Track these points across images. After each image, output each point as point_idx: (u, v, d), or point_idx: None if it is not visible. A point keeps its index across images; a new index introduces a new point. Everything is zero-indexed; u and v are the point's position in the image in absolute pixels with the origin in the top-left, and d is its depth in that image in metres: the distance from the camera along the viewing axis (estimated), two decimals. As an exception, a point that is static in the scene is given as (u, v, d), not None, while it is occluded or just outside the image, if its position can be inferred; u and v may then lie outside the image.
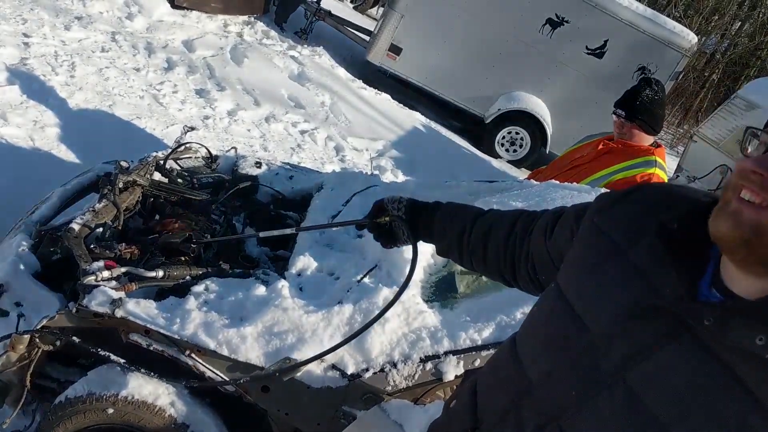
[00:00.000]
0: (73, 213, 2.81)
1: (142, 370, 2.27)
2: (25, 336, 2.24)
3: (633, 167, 3.23)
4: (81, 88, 5.36)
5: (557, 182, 3.11)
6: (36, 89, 4.99)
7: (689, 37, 8.77)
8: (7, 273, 2.41)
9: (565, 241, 1.34)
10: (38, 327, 2.24)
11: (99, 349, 2.24)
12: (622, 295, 1.10)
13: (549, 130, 8.93)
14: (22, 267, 2.45)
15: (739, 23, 19.48)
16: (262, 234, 2.35)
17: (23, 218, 2.83)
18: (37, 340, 2.28)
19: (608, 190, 2.80)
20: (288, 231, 2.28)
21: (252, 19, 9.25)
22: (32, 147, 4.37)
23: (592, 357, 1.09)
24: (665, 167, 3.29)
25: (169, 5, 8.02)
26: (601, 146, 3.39)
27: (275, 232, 2.25)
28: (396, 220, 1.75)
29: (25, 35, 5.73)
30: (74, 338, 2.25)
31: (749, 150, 1.01)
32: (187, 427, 2.27)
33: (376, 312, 2.26)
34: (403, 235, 1.77)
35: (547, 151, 9.07)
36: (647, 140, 3.30)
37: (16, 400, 2.36)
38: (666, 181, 3.44)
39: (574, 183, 3.09)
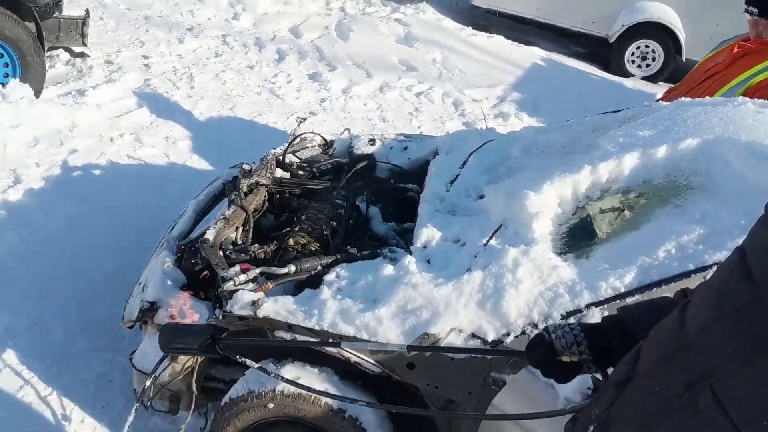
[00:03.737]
0: (207, 222, 2.96)
1: (296, 363, 2.37)
2: (183, 347, 2.39)
3: (776, 66, 2.87)
4: (202, 97, 5.63)
5: (688, 99, 2.83)
6: (162, 107, 5.30)
7: None
8: (157, 290, 2.59)
9: None
10: (192, 337, 2.38)
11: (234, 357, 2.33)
12: None
13: (682, 37, 8.18)
14: (169, 282, 2.62)
15: None
16: None
17: (165, 236, 3.02)
18: (195, 349, 2.44)
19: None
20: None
21: (352, -10, 9.23)
22: (168, 162, 4.66)
23: (755, 314, 0.98)
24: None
25: (269, -4, 8.19)
26: (736, 49, 3.05)
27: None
28: (585, 363, 1.49)
29: (145, 57, 6.10)
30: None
31: None
32: (343, 411, 2.34)
33: (507, 274, 2.19)
34: (588, 370, 1.53)
35: (684, 59, 8.33)
36: (788, 36, 2.92)
37: (187, 405, 2.55)
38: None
39: (707, 97, 2.80)
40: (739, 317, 1.01)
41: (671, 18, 8.19)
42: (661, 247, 2.14)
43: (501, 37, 8.41)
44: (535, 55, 8.22)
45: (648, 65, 8.54)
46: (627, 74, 8.50)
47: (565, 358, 1.48)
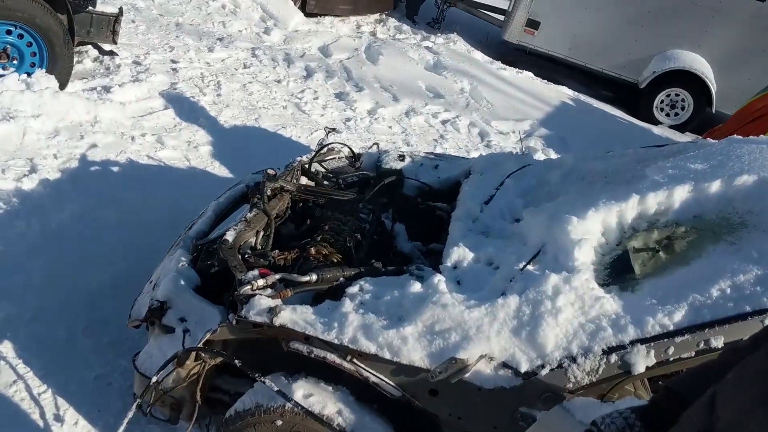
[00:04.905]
0: (227, 225, 2.83)
1: (309, 379, 2.21)
2: (191, 352, 2.24)
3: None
4: (228, 105, 5.55)
5: (739, 137, 2.70)
6: (187, 111, 5.21)
7: None
8: (169, 289, 2.44)
9: None
10: (202, 342, 2.24)
11: (253, 373, 2.19)
12: None
13: (713, 88, 8.08)
14: (182, 282, 2.47)
15: None
16: None
17: (182, 235, 2.89)
18: (203, 355, 2.29)
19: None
20: None
21: (383, 16, 9.24)
22: (188, 166, 4.55)
23: None
24: None
25: (302, 15, 8.18)
26: (789, 90, 2.93)
27: None
28: None
29: (173, 61, 6.03)
30: (236, 361, 2.21)
31: None
32: (356, 435, 2.17)
33: (546, 302, 2.04)
34: None
35: (714, 111, 8.23)
36: None
37: (189, 416, 2.38)
38: None
39: (761, 136, 2.67)
40: None
41: (704, 68, 8.10)
42: (714, 286, 1.99)
43: (530, 74, 8.34)
44: (563, 94, 8.13)
45: (677, 114, 8.44)
46: (655, 121, 8.40)
47: None
